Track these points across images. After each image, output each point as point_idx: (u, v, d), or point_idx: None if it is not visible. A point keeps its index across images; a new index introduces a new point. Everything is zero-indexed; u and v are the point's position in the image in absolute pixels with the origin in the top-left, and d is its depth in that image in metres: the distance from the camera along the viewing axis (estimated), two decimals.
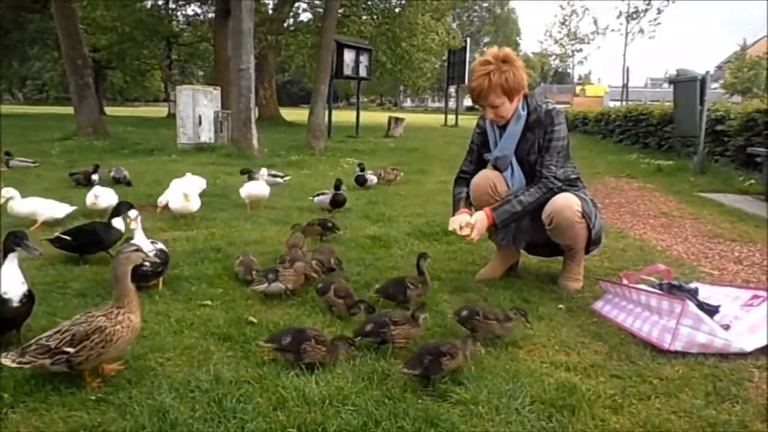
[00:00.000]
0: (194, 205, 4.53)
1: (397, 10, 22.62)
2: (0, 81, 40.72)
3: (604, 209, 5.64)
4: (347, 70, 15.17)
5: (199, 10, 30.61)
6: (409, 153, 11.68)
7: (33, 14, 25.03)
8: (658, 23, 35.24)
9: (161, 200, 4.65)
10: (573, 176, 3.11)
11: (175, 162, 8.72)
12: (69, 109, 14.00)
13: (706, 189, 6.95)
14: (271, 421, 1.71)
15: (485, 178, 3.12)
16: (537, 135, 2.97)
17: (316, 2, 25.05)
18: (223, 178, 6.98)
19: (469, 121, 18.98)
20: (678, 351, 2.22)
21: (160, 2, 30.58)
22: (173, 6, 30.97)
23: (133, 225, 2.94)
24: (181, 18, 32.12)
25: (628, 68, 24.15)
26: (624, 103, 19.66)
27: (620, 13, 35.55)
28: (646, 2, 34.40)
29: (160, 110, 36.83)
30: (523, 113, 2.97)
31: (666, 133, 10.94)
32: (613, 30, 58.53)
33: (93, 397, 1.83)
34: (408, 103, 75.17)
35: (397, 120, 17.84)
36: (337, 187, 4.94)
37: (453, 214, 3.09)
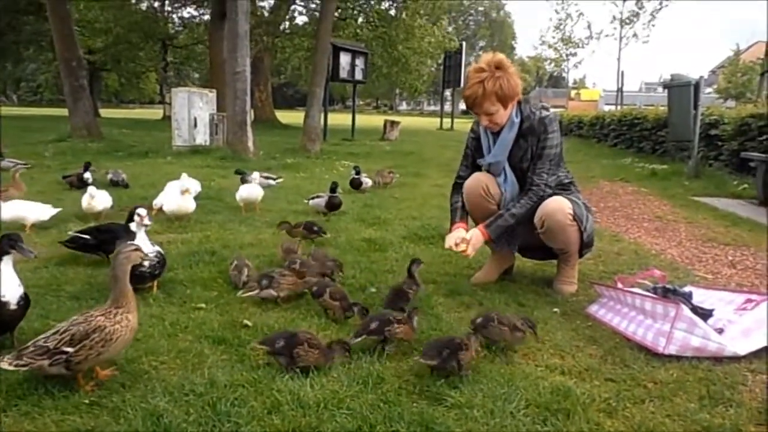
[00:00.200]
0: (190, 205, 4.52)
1: (392, 12, 22.66)
2: None
3: (599, 213, 5.66)
4: (343, 73, 15.17)
5: (194, 13, 30.50)
6: (405, 156, 11.71)
7: (28, 16, 24.94)
8: (653, 25, 35.31)
9: (156, 202, 4.63)
10: (566, 180, 3.13)
11: (170, 164, 8.69)
12: (63, 111, 13.90)
13: (700, 193, 6.98)
14: (265, 424, 1.70)
15: (477, 180, 3.14)
16: (530, 143, 2.99)
17: (312, 5, 25.07)
18: (217, 181, 6.96)
19: (465, 125, 18.99)
20: (672, 355, 2.23)
21: (155, 4, 30.55)
22: (169, 8, 30.91)
23: (146, 221, 2.85)
24: (176, 20, 32.04)
25: (622, 72, 24.20)
26: (619, 107, 19.76)
27: (614, 18, 35.60)
28: (639, 5, 34.47)
29: (155, 112, 36.70)
30: (516, 120, 2.98)
31: (660, 138, 11.00)
32: (607, 35, 58.58)
33: (86, 401, 1.82)
34: (404, 106, 75.30)
35: (393, 123, 17.88)
36: (332, 190, 4.94)
37: (450, 225, 3.14)
